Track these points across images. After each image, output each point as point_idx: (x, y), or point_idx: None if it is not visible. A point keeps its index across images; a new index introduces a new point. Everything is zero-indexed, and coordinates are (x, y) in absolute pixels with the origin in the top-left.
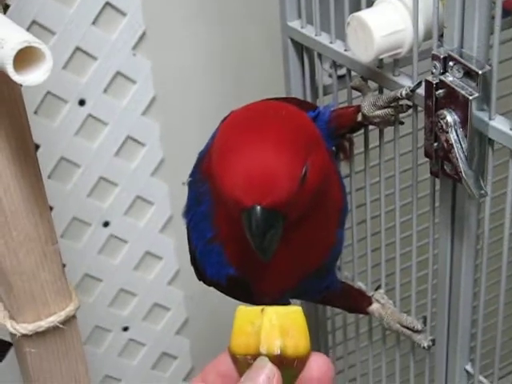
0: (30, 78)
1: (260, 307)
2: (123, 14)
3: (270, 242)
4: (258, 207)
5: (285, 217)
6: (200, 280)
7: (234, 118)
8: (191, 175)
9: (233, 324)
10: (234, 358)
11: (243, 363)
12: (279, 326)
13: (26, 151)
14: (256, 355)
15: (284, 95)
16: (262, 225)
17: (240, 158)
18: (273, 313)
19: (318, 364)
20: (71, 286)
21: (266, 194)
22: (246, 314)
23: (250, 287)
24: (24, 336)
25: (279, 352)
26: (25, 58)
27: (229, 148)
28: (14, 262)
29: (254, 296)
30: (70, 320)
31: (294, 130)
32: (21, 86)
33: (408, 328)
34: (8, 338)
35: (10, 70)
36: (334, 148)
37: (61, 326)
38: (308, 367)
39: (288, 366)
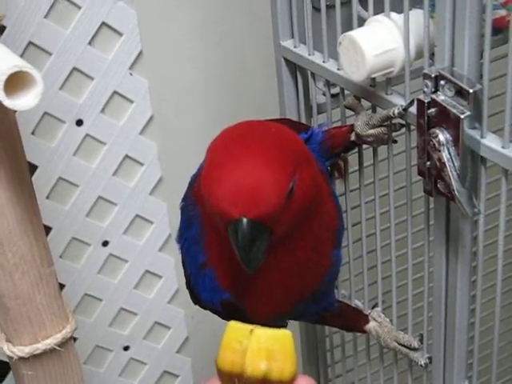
0: (21, 103)
1: (250, 326)
2: (120, 33)
3: (256, 254)
4: (245, 219)
5: (271, 230)
6: (195, 304)
7: (222, 135)
8: (183, 199)
9: (223, 337)
10: (220, 372)
11: (228, 380)
12: (266, 348)
13: (20, 174)
14: (241, 374)
15: (279, 113)
16: (248, 236)
17: (227, 172)
18: (261, 335)
19: None
20: (68, 308)
21: (252, 206)
22: (235, 331)
23: (244, 312)
24: (21, 359)
25: (264, 375)
26: (16, 82)
27: (217, 163)
28: (10, 285)
29: (249, 320)
30: (66, 342)
31: (282, 146)
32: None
33: (405, 346)
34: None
35: (1, 95)
36: (328, 168)
37: (58, 348)
38: None
39: None
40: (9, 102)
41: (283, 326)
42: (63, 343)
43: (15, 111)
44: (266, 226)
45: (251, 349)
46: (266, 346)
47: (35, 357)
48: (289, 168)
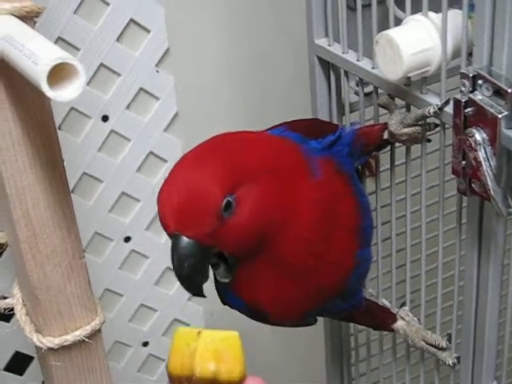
0: (62, 94)
1: (197, 329)
2: (147, 30)
3: (191, 271)
4: (179, 235)
5: (212, 249)
6: (224, 305)
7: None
8: None
9: (171, 342)
10: (170, 377)
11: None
12: (214, 350)
13: (55, 167)
14: (190, 377)
15: (310, 112)
16: (180, 253)
17: (164, 187)
18: (209, 336)
19: None
20: (97, 301)
21: (182, 222)
22: (183, 335)
23: (268, 316)
24: (50, 349)
25: (212, 375)
26: (57, 74)
27: (166, 177)
28: (41, 276)
29: (273, 320)
30: (95, 334)
31: (227, 161)
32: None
33: (433, 345)
34: (29, 352)
35: (44, 86)
36: (354, 168)
37: (86, 340)
38: None
39: None
40: (51, 93)
41: (311, 323)
42: (92, 335)
43: (50, 104)
44: (201, 243)
45: (199, 350)
46: (214, 347)
47: (64, 348)
48: (225, 184)
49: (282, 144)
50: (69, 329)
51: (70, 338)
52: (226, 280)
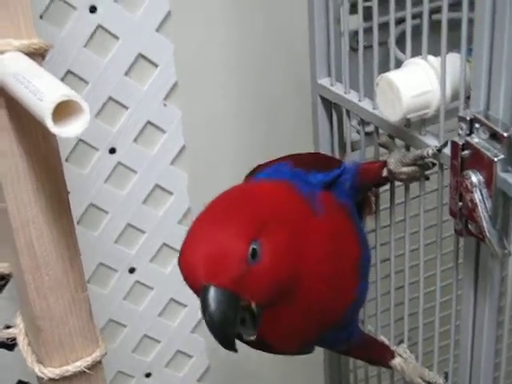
0: (67, 131)
1: None
2: (155, 65)
3: (223, 321)
4: (209, 286)
5: (240, 297)
6: None
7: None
8: None
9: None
10: None
11: None
12: None
13: (59, 199)
14: None
15: (312, 148)
16: (213, 303)
17: (186, 245)
18: None
19: None
20: (98, 332)
21: (211, 272)
22: None
23: (269, 345)
24: (51, 380)
25: None
26: (62, 110)
27: (185, 238)
28: (44, 307)
29: (274, 351)
30: (96, 365)
31: (244, 211)
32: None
33: (430, 383)
34: (31, 381)
35: (49, 123)
36: (353, 202)
37: (87, 371)
38: None
39: None
40: (56, 130)
41: (309, 352)
42: (93, 366)
43: (56, 137)
44: (231, 291)
45: None
46: None
47: (65, 378)
48: (248, 231)
49: (281, 189)
50: (70, 359)
51: (70, 368)
52: (252, 337)
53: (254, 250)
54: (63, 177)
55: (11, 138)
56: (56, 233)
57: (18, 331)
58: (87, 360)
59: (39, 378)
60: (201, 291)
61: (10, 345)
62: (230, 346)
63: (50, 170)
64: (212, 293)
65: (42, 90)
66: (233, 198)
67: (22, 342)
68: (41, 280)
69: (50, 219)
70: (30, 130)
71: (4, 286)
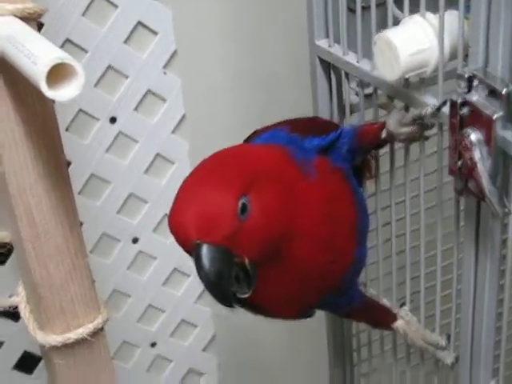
0: (62, 94)
1: None
2: (155, 33)
3: (217, 277)
4: (201, 244)
5: (233, 252)
6: None
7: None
8: None
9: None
10: None
11: None
12: None
13: (57, 166)
14: None
15: (311, 113)
16: (206, 261)
17: (176, 204)
18: None
19: None
20: (100, 299)
21: (201, 229)
22: None
23: (268, 310)
24: (53, 347)
25: None
26: (57, 74)
27: (174, 198)
28: (44, 274)
29: (274, 316)
30: (98, 332)
31: (232, 169)
32: (53, 102)
33: (432, 345)
34: (37, 352)
35: (43, 86)
36: (350, 166)
37: (89, 338)
38: None
39: None
40: (50, 93)
41: (309, 316)
42: (94, 333)
43: (53, 103)
44: (224, 247)
45: None
46: None
47: (67, 346)
48: (237, 187)
49: (273, 152)
50: (72, 327)
51: (72, 336)
52: (246, 295)
53: (243, 204)
54: (61, 144)
55: (7, 104)
56: (55, 199)
57: (20, 299)
58: (89, 327)
59: (41, 346)
60: (193, 250)
61: (15, 315)
62: (227, 301)
63: (48, 136)
64: (205, 250)
65: (36, 54)
66: (221, 158)
67: (23, 309)
68: (40, 248)
69: (48, 186)
70: (26, 96)
71: (8, 255)
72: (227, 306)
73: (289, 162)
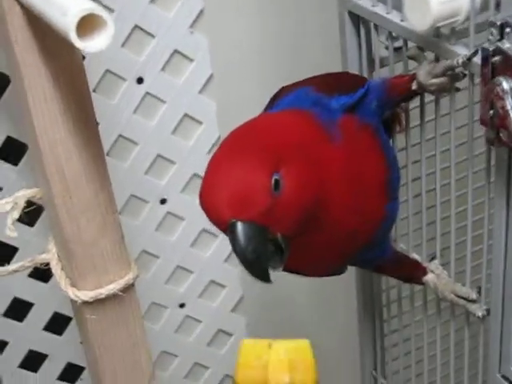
0: (91, 45)
1: (267, 341)
2: None
3: (254, 254)
4: (236, 222)
5: (268, 229)
6: None
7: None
8: None
9: (238, 357)
10: None
11: None
12: (287, 360)
13: (87, 122)
14: None
15: (340, 69)
16: (242, 238)
17: (206, 182)
18: (280, 347)
19: None
20: (130, 256)
21: (237, 207)
22: (252, 347)
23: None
24: (85, 303)
25: None
26: (85, 26)
27: (204, 175)
28: (75, 230)
29: (306, 274)
30: (128, 288)
31: (261, 144)
32: (83, 57)
33: (462, 298)
34: (67, 312)
35: (73, 37)
36: (379, 121)
37: (120, 293)
38: None
39: None
40: (81, 44)
41: (342, 272)
42: (126, 289)
43: (83, 59)
44: (259, 224)
45: (272, 363)
46: (287, 357)
47: (98, 301)
48: (269, 163)
49: (298, 120)
50: (103, 282)
51: (103, 291)
52: (279, 269)
53: (276, 180)
54: (90, 100)
55: (36, 58)
56: (85, 155)
57: (51, 256)
58: (120, 283)
59: (73, 302)
60: (228, 228)
61: (44, 276)
62: (266, 278)
63: (77, 92)
64: (241, 228)
65: (65, 5)
66: (249, 131)
67: (55, 266)
68: (71, 203)
69: (78, 142)
70: (54, 50)
71: (38, 215)
72: (265, 281)
73: (315, 128)
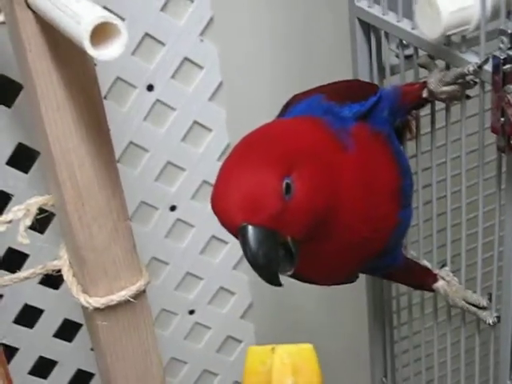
0: (105, 53)
1: (270, 346)
2: (191, 0)
3: (265, 259)
4: (247, 226)
5: (278, 233)
6: None
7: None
8: None
9: (244, 364)
10: None
11: None
12: (291, 364)
13: (99, 129)
14: None
15: (351, 76)
16: (254, 242)
17: (218, 187)
18: (283, 352)
19: None
20: (142, 263)
21: (248, 211)
22: (256, 353)
23: (312, 279)
24: (96, 309)
25: None
26: (98, 35)
27: (216, 180)
28: (87, 237)
29: (318, 283)
30: (140, 294)
31: (273, 149)
32: (95, 65)
33: (473, 305)
34: (77, 319)
35: (87, 45)
36: (391, 129)
37: (132, 300)
38: None
39: None
40: (94, 52)
41: (353, 281)
42: (137, 295)
43: (95, 65)
44: (270, 229)
45: (276, 367)
46: (291, 361)
47: (110, 308)
48: (280, 167)
49: (310, 126)
50: (114, 289)
51: (115, 297)
52: (289, 272)
53: (287, 184)
54: (103, 108)
55: (49, 66)
56: (98, 162)
57: (63, 262)
58: (131, 289)
59: (84, 309)
60: (239, 232)
61: (55, 283)
62: (276, 282)
63: (90, 100)
64: (252, 232)
65: (79, 14)
66: (261, 137)
67: (66, 272)
68: (83, 210)
69: (91, 149)
70: (68, 58)
71: (49, 222)
72: (275, 285)
73: (327, 135)
